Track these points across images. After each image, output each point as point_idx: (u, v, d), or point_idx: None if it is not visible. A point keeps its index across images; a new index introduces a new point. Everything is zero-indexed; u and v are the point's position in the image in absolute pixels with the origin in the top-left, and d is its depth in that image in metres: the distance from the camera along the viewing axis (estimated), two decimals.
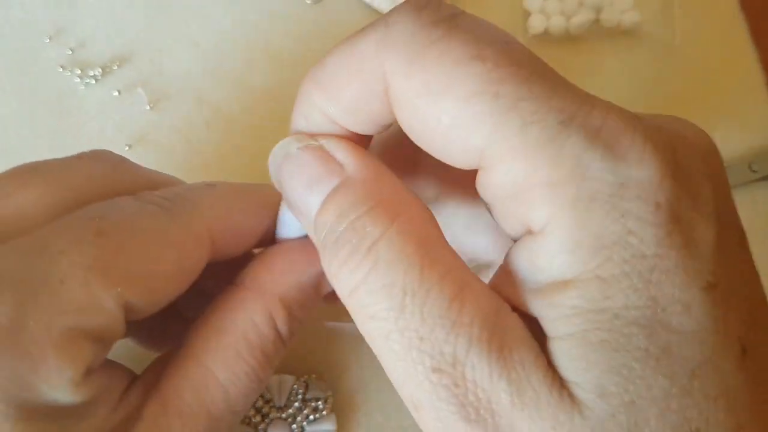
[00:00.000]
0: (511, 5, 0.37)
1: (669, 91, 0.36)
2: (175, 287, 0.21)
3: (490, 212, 0.18)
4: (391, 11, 0.18)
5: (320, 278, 0.24)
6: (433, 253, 0.17)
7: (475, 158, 0.17)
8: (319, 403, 0.29)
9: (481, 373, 0.16)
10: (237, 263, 0.24)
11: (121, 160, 0.24)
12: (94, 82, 0.35)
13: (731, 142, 0.34)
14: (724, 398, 0.15)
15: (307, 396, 0.29)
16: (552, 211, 0.16)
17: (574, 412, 0.16)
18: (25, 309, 0.18)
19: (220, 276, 0.24)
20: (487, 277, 0.19)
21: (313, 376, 0.30)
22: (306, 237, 0.24)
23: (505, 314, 0.17)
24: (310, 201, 0.19)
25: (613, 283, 0.15)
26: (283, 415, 0.29)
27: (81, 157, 0.23)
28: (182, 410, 0.21)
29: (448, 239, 0.18)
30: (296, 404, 0.29)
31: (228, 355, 0.22)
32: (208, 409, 0.21)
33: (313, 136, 0.20)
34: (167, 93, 0.35)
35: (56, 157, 0.23)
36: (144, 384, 0.21)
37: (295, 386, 0.29)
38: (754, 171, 0.34)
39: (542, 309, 0.17)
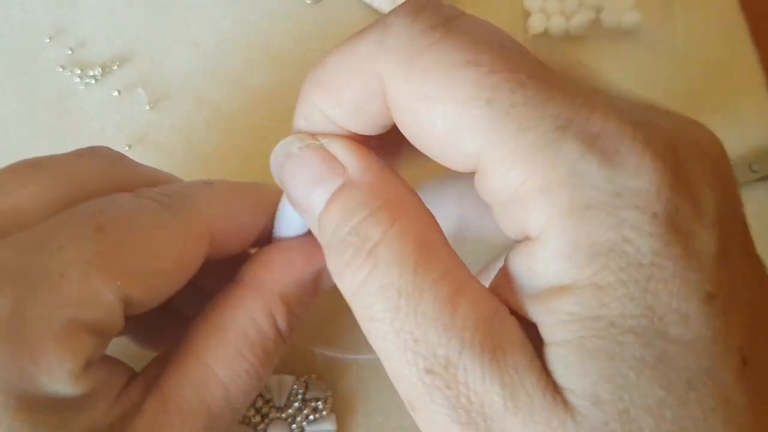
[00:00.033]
0: (511, 5, 0.37)
1: (669, 91, 0.36)
2: (173, 282, 0.22)
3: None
4: (389, 13, 0.18)
5: (318, 275, 0.24)
6: (430, 255, 0.17)
7: (471, 162, 0.17)
8: (319, 403, 0.29)
9: (473, 375, 0.16)
10: (235, 262, 0.24)
11: (120, 157, 0.24)
12: (94, 82, 0.35)
13: (731, 142, 0.34)
14: (722, 409, 0.15)
15: (307, 396, 0.29)
16: (547, 218, 0.16)
17: (567, 417, 0.15)
18: (26, 302, 0.19)
19: (218, 274, 0.24)
20: (489, 279, 0.19)
21: (313, 376, 0.30)
22: (304, 235, 0.24)
23: (502, 318, 0.17)
24: (314, 200, 0.19)
25: (609, 291, 0.15)
26: (283, 415, 0.29)
27: (80, 153, 0.23)
28: (182, 407, 0.21)
29: (457, 219, 0.18)
30: (296, 404, 0.29)
31: (228, 352, 0.22)
32: (208, 405, 0.21)
33: (314, 135, 0.20)
34: (167, 93, 0.35)
35: None
36: (144, 380, 0.22)
37: (295, 386, 0.29)
38: (754, 171, 0.34)
39: (539, 314, 0.17)
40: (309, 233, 0.24)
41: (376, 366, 0.31)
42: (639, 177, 0.15)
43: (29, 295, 0.19)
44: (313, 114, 0.19)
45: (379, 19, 0.18)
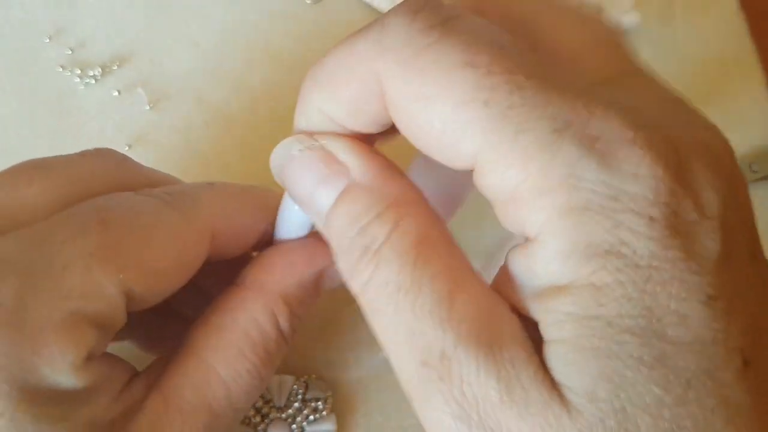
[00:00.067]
0: None
1: None
2: (175, 279, 0.22)
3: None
4: (388, 13, 0.18)
5: (319, 276, 0.24)
6: (430, 252, 0.17)
7: (469, 162, 0.17)
8: (319, 403, 0.29)
9: (468, 368, 0.16)
10: (236, 265, 0.24)
11: (124, 159, 0.24)
12: (93, 82, 0.35)
13: (731, 142, 0.34)
14: (723, 409, 0.15)
15: (307, 396, 0.29)
16: (545, 219, 0.16)
17: (564, 413, 0.16)
18: (29, 293, 0.19)
19: (220, 276, 0.24)
20: (489, 275, 0.19)
21: (313, 376, 0.30)
22: (304, 238, 0.24)
23: (501, 314, 0.17)
24: (318, 201, 0.19)
25: (607, 292, 0.15)
26: (283, 416, 0.29)
27: (84, 154, 0.24)
28: (183, 406, 0.21)
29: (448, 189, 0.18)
30: (296, 404, 0.29)
31: (230, 352, 0.22)
32: (210, 405, 0.22)
33: (315, 135, 0.20)
34: (167, 93, 0.35)
35: None
36: (146, 379, 0.22)
37: (295, 386, 0.29)
38: (754, 171, 0.34)
39: (538, 313, 0.17)
40: (310, 235, 0.24)
41: (376, 366, 0.31)
42: (637, 180, 0.15)
43: (32, 286, 0.19)
44: (313, 113, 0.19)
45: (377, 19, 0.18)
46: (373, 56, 0.17)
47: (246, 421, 0.29)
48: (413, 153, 0.20)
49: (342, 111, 0.19)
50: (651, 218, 0.15)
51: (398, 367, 0.18)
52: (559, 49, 0.19)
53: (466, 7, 0.18)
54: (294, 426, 0.29)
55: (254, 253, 0.25)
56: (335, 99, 0.19)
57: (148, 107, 0.34)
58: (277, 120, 0.34)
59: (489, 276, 0.19)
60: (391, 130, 0.19)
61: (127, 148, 0.34)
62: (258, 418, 0.29)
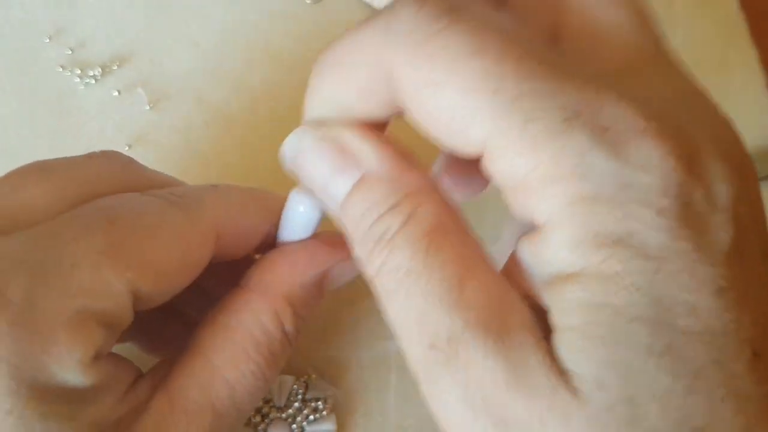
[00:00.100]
0: None
1: None
2: (181, 278, 0.22)
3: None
4: (397, 0, 0.18)
5: (322, 277, 0.24)
6: (443, 239, 0.18)
7: (478, 149, 0.17)
8: (319, 403, 0.29)
9: (476, 352, 0.16)
10: (239, 267, 0.24)
11: (130, 161, 0.25)
12: (94, 82, 0.35)
13: None
14: (733, 399, 0.15)
15: (307, 396, 0.29)
16: (554, 207, 0.16)
17: (572, 399, 0.16)
18: (38, 291, 0.19)
19: (224, 279, 0.24)
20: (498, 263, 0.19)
21: (313, 376, 0.30)
22: (307, 239, 0.24)
23: (511, 301, 0.17)
24: (332, 191, 0.19)
25: (616, 281, 0.15)
26: (283, 415, 0.29)
27: (90, 156, 0.24)
28: (188, 407, 0.21)
29: None
30: (296, 404, 0.29)
31: (235, 353, 0.22)
32: (214, 406, 0.22)
33: (325, 124, 0.20)
34: (167, 93, 0.35)
35: (56, 157, 0.24)
36: (152, 379, 0.22)
37: (295, 386, 0.29)
38: None
39: (547, 300, 0.17)
40: (313, 236, 0.24)
41: (376, 366, 0.31)
42: (647, 171, 0.15)
43: (41, 284, 0.19)
44: (323, 101, 0.19)
45: (386, 7, 0.18)
46: (382, 43, 0.17)
47: (246, 421, 0.29)
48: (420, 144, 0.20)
49: (352, 98, 0.19)
50: (662, 209, 0.15)
51: (407, 350, 0.18)
52: (583, 29, 0.18)
53: None
54: (294, 426, 0.29)
55: (257, 256, 0.25)
56: (345, 86, 0.19)
57: (148, 107, 0.34)
58: (277, 120, 0.34)
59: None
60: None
61: (127, 148, 0.34)
62: (258, 418, 0.29)
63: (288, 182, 0.24)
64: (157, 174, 0.25)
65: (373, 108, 0.19)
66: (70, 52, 0.35)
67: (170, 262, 0.21)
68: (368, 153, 0.19)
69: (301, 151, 0.20)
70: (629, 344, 0.15)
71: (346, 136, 0.19)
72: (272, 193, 0.25)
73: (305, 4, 0.37)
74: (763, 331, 0.16)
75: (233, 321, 0.23)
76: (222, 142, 0.34)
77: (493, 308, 0.17)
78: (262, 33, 0.36)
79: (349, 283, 0.26)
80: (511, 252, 0.19)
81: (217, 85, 0.35)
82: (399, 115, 0.19)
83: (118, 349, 0.22)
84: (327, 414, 0.29)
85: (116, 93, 0.35)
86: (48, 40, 0.35)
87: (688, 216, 0.15)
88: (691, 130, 0.16)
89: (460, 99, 0.16)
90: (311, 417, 0.29)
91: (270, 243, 0.25)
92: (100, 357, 0.20)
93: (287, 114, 0.34)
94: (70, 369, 0.19)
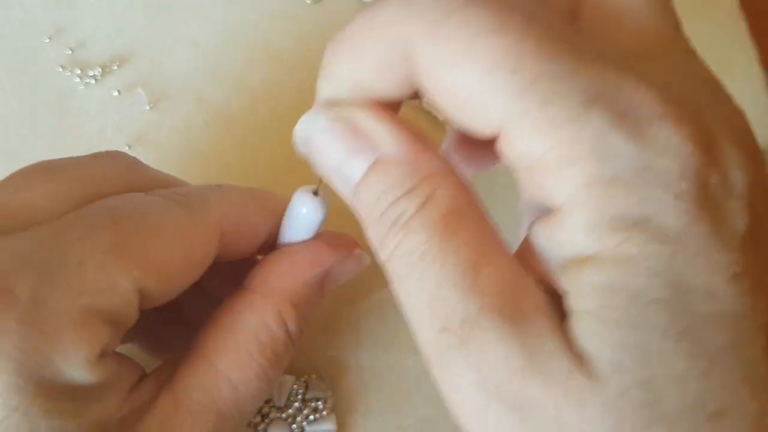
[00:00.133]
0: None
1: None
2: (185, 276, 0.22)
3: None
4: None
5: (323, 277, 0.25)
6: (458, 223, 0.17)
7: (494, 129, 0.17)
8: (319, 403, 0.29)
9: (491, 335, 0.16)
10: (240, 268, 0.25)
11: (134, 161, 0.25)
12: (94, 82, 0.35)
13: None
14: (748, 384, 0.15)
15: (307, 396, 0.29)
16: (571, 190, 0.16)
17: (588, 382, 0.15)
18: (45, 289, 0.19)
19: (224, 278, 0.25)
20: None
21: (313, 376, 0.30)
22: (308, 240, 0.25)
23: (526, 285, 0.17)
24: (347, 174, 0.19)
25: (633, 264, 0.15)
26: (283, 415, 0.29)
27: (96, 156, 0.24)
28: (192, 407, 0.22)
29: None
30: (296, 404, 0.29)
31: (239, 354, 0.23)
32: (218, 407, 0.22)
33: (340, 105, 0.19)
34: (167, 93, 0.35)
35: (56, 157, 0.24)
36: (156, 380, 0.22)
37: (295, 386, 0.29)
38: None
39: (563, 284, 0.17)
40: (314, 237, 0.25)
41: (376, 366, 0.31)
42: (666, 155, 0.15)
43: (48, 282, 0.19)
44: (338, 79, 0.19)
45: None
46: (401, 19, 0.17)
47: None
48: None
49: (368, 75, 0.18)
50: (680, 193, 0.15)
51: (419, 334, 0.18)
52: (601, 11, 0.18)
53: None
54: (294, 426, 0.29)
55: (259, 257, 0.25)
56: (362, 62, 0.18)
57: (148, 107, 0.34)
58: (277, 120, 0.34)
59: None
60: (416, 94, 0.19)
61: (127, 148, 0.34)
62: (258, 418, 0.29)
63: (288, 182, 0.24)
64: (161, 174, 0.26)
65: (390, 86, 0.18)
66: (70, 52, 0.35)
67: (175, 261, 0.21)
68: (384, 135, 0.19)
69: (313, 134, 0.20)
70: (646, 327, 0.15)
71: (360, 117, 0.19)
72: (275, 193, 0.25)
73: (305, 4, 0.37)
74: None
75: (237, 322, 0.23)
76: (222, 142, 0.34)
77: (508, 292, 0.17)
78: (262, 33, 0.36)
79: (349, 283, 0.26)
80: (523, 236, 0.19)
81: (217, 85, 0.35)
82: (413, 95, 0.19)
83: (121, 349, 0.22)
84: (327, 414, 0.29)
85: (116, 93, 0.35)
86: (48, 40, 0.35)
87: (705, 201, 0.15)
88: (708, 116, 0.16)
89: (478, 78, 0.16)
90: (311, 417, 0.29)
91: (272, 244, 0.25)
92: (105, 355, 0.20)
93: (287, 114, 0.34)
94: (76, 366, 0.19)
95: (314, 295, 0.24)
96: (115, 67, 0.35)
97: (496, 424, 0.16)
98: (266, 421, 0.29)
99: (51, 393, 0.19)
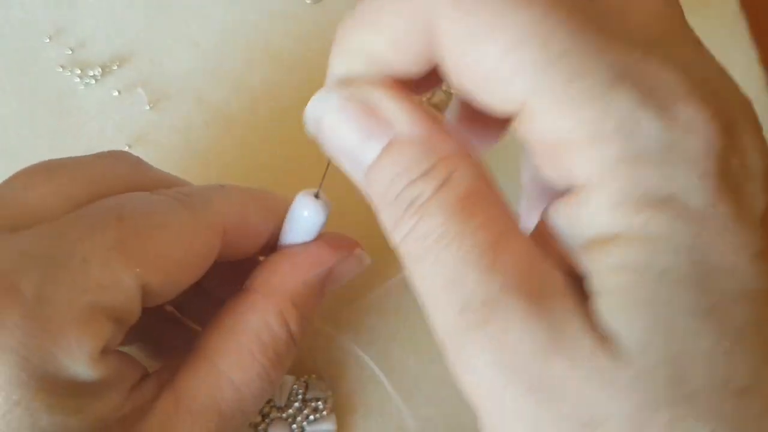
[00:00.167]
0: None
1: None
2: (188, 274, 0.22)
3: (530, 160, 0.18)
4: None
5: (325, 277, 0.25)
6: (476, 205, 0.17)
7: (516, 106, 0.16)
8: (319, 403, 0.29)
9: (513, 315, 0.16)
10: (241, 269, 0.25)
11: (138, 161, 0.25)
12: (94, 82, 0.35)
13: None
14: None
15: (307, 396, 0.29)
16: (597, 167, 0.16)
17: (614, 361, 0.15)
18: (49, 285, 0.19)
19: (225, 278, 0.25)
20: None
21: (313, 376, 0.30)
22: (309, 242, 0.25)
23: (546, 267, 0.17)
24: (360, 155, 0.18)
25: (658, 242, 0.15)
26: (283, 415, 0.29)
27: (100, 155, 0.24)
28: (193, 408, 0.22)
29: None
30: (296, 404, 0.29)
31: (241, 355, 0.23)
32: (220, 407, 0.22)
33: (354, 83, 0.19)
34: (167, 93, 0.35)
35: (56, 157, 0.24)
36: (158, 380, 0.22)
37: (295, 386, 0.29)
38: None
39: (585, 264, 0.16)
40: (315, 238, 0.25)
41: (377, 366, 0.31)
42: (692, 134, 0.15)
43: (52, 279, 0.19)
44: (353, 53, 0.19)
45: None
46: None
47: None
48: None
49: (386, 48, 0.18)
50: (704, 172, 0.15)
51: (434, 316, 0.17)
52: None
53: None
54: (294, 426, 0.29)
55: (261, 258, 0.26)
56: (380, 35, 0.18)
57: (148, 107, 0.34)
58: (277, 120, 0.34)
59: None
60: (426, 82, 0.19)
61: (127, 148, 0.34)
62: (258, 418, 0.29)
63: (288, 182, 0.24)
64: (164, 174, 0.26)
65: (407, 61, 0.18)
66: (70, 52, 0.35)
67: (178, 258, 0.22)
68: (400, 114, 0.18)
69: (325, 114, 0.19)
70: (673, 305, 0.15)
71: (376, 96, 0.18)
72: (277, 194, 0.25)
73: (305, 4, 0.37)
74: None
75: (239, 323, 0.23)
76: (222, 142, 0.34)
77: (527, 273, 0.16)
78: (262, 33, 0.36)
79: (349, 283, 0.26)
80: (525, 217, 0.18)
81: (217, 85, 0.35)
82: (427, 72, 0.18)
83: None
84: (327, 414, 0.29)
85: (116, 93, 0.35)
86: (48, 40, 0.35)
87: (727, 181, 0.15)
88: (726, 100, 0.16)
89: (503, 53, 0.16)
90: (311, 417, 0.29)
91: (273, 245, 0.25)
92: (108, 352, 0.20)
93: (287, 114, 0.34)
94: (79, 362, 0.19)
95: (315, 295, 0.24)
96: (115, 67, 0.35)
97: (513, 405, 0.16)
98: (266, 420, 0.29)
99: (53, 388, 0.19)
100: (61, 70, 0.35)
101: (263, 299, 0.23)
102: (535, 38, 0.16)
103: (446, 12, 0.16)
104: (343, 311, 0.31)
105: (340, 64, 0.19)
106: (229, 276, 0.25)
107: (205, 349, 0.23)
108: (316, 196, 0.24)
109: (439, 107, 0.34)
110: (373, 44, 0.18)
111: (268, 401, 0.29)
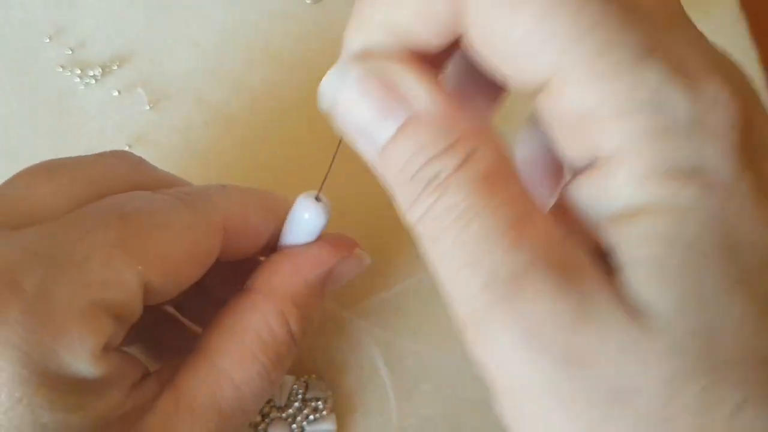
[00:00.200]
0: None
1: None
2: (189, 273, 0.22)
3: (548, 136, 0.18)
4: None
5: (325, 277, 0.25)
6: (497, 183, 0.17)
7: (541, 78, 0.16)
8: (319, 403, 0.29)
9: (542, 288, 0.16)
10: (242, 269, 0.25)
11: (140, 161, 0.25)
12: (94, 82, 0.35)
13: None
14: None
15: (307, 396, 0.29)
16: (625, 139, 0.16)
17: (644, 332, 0.15)
18: (51, 282, 0.19)
19: (226, 278, 0.25)
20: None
21: (313, 376, 0.30)
22: (310, 243, 0.25)
23: (570, 243, 0.17)
24: (376, 133, 0.18)
25: (686, 214, 0.15)
26: (283, 415, 0.29)
27: (102, 155, 0.24)
28: (194, 407, 0.22)
29: None
30: (296, 404, 0.29)
31: (242, 355, 0.23)
32: (221, 407, 0.22)
33: (372, 58, 0.18)
34: (167, 93, 0.35)
35: (56, 157, 0.24)
36: (158, 379, 0.22)
37: (295, 386, 0.29)
38: None
39: (612, 237, 0.16)
40: (316, 239, 0.25)
41: (376, 366, 0.31)
42: (718, 108, 0.16)
43: (55, 275, 0.19)
44: (373, 24, 0.18)
45: None
46: None
47: None
48: None
49: (407, 18, 0.17)
50: (732, 144, 0.15)
51: (454, 295, 0.17)
52: None
53: None
54: (294, 426, 0.29)
55: (261, 258, 0.26)
56: (401, 5, 0.17)
57: (148, 107, 0.34)
58: (277, 120, 0.34)
59: None
60: (438, 58, 0.18)
61: (127, 147, 0.34)
62: (258, 418, 0.29)
63: (288, 182, 0.24)
64: (166, 174, 0.26)
65: (429, 32, 0.17)
66: (70, 52, 0.35)
67: (179, 257, 0.22)
68: (420, 90, 0.17)
69: (342, 89, 0.18)
70: (703, 276, 0.15)
71: (395, 70, 0.18)
72: (278, 194, 0.25)
73: (305, 4, 0.37)
74: None
75: (239, 322, 0.23)
76: (222, 142, 0.34)
77: (552, 248, 0.16)
78: (262, 33, 0.36)
79: (349, 283, 0.26)
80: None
81: (217, 85, 0.35)
82: (448, 45, 0.18)
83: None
84: (327, 414, 0.29)
85: (116, 93, 0.35)
86: (48, 40, 0.35)
87: (752, 154, 0.16)
88: (739, 79, 0.17)
89: (535, 22, 0.16)
90: (311, 417, 0.29)
91: (273, 245, 0.25)
92: (109, 349, 0.20)
93: (287, 114, 0.34)
94: (80, 359, 0.19)
95: (316, 295, 0.24)
96: (115, 67, 0.35)
97: (541, 378, 0.16)
98: (266, 420, 0.29)
99: (55, 385, 0.19)
100: (61, 70, 0.35)
101: (264, 299, 0.23)
102: (566, 8, 0.15)
103: None
104: (343, 312, 0.31)
105: (357, 38, 0.18)
106: (229, 276, 0.25)
107: (205, 348, 0.23)
108: (317, 198, 0.24)
109: None
110: (396, 14, 0.18)
111: (268, 401, 0.29)
